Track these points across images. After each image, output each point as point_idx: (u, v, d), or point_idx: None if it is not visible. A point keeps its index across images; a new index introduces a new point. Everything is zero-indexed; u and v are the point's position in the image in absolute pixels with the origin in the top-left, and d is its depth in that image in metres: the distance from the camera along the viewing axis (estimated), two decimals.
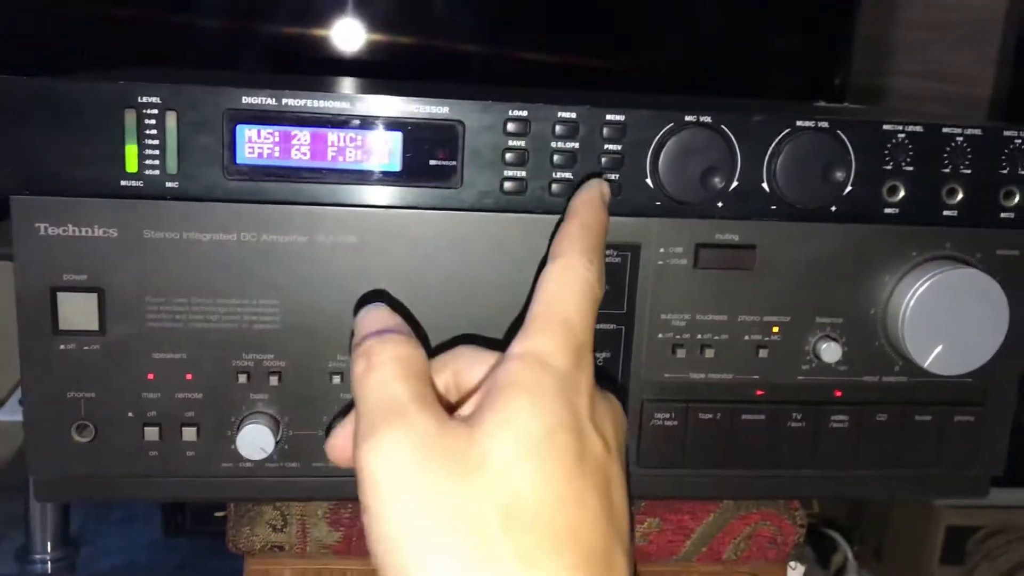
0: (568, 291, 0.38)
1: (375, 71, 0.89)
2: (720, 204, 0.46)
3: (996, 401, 0.50)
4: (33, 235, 0.42)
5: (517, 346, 0.36)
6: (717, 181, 0.45)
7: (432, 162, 0.44)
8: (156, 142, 0.42)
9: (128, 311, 0.43)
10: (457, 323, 0.45)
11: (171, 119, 0.42)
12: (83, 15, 0.87)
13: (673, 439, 0.48)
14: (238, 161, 0.43)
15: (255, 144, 0.43)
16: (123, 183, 0.42)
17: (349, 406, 0.45)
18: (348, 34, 0.90)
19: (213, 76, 0.51)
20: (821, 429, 0.49)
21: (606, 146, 0.45)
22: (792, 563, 0.57)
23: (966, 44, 1.20)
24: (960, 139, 0.46)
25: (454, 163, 0.44)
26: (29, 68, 0.42)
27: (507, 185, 0.44)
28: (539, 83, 0.59)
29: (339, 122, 0.43)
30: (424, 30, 0.93)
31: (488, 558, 0.32)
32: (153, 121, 0.42)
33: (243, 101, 0.42)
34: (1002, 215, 0.48)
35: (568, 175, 0.45)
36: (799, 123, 0.45)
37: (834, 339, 0.48)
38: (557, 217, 0.43)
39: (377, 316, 0.39)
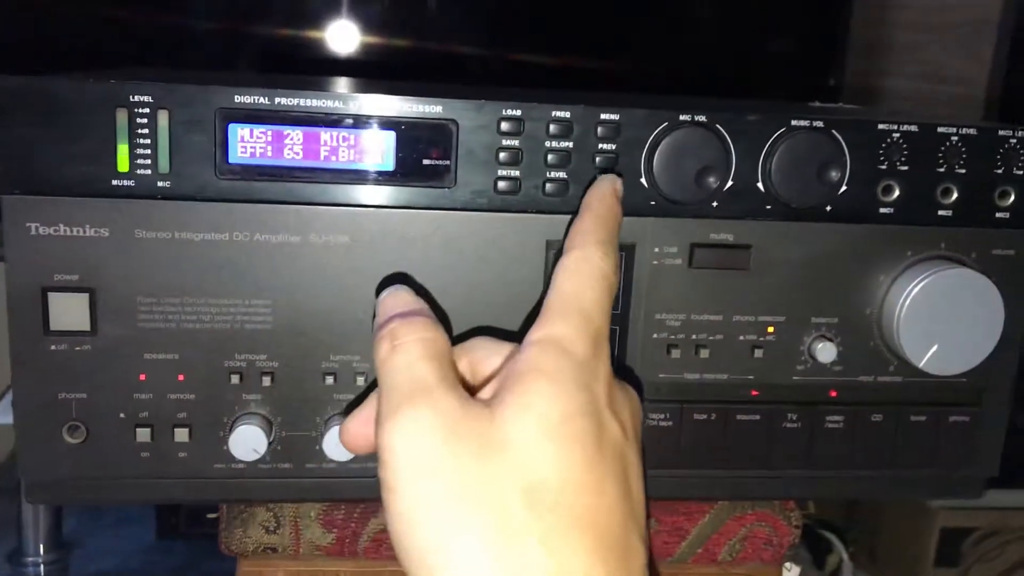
0: (584, 280, 0.38)
1: (369, 72, 0.89)
2: (715, 204, 0.46)
3: (991, 402, 0.50)
4: (24, 235, 0.42)
5: (535, 333, 0.37)
6: (712, 181, 0.45)
7: (426, 161, 0.44)
8: (148, 141, 0.42)
9: (120, 311, 0.43)
10: (452, 323, 0.45)
11: (163, 118, 0.42)
12: (77, 15, 0.87)
13: (668, 439, 0.48)
14: (230, 160, 0.43)
15: (247, 143, 0.42)
16: (115, 182, 0.42)
17: (349, 407, 0.45)
18: (342, 35, 0.90)
19: (205, 75, 0.51)
20: (816, 429, 0.48)
21: (600, 146, 0.44)
22: (787, 564, 0.57)
23: (962, 45, 1.20)
24: (955, 139, 0.46)
25: (448, 163, 0.44)
26: (22, 68, 0.42)
27: (501, 185, 0.44)
28: (533, 84, 0.59)
29: (332, 121, 0.43)
30: (418, 31, 0.92)
31: (510, 537, 0.32)
32: (145, 120, 0.42)
33: (235, 100, 0.42)
34: (997, 215, 0.48)
35: (562, 175, 0.44)
36: (794, 122, 0.45)
37: (829, 339, 0.48)
38: (552, 216, 0.43)
39: (402, 298, 0.39)
